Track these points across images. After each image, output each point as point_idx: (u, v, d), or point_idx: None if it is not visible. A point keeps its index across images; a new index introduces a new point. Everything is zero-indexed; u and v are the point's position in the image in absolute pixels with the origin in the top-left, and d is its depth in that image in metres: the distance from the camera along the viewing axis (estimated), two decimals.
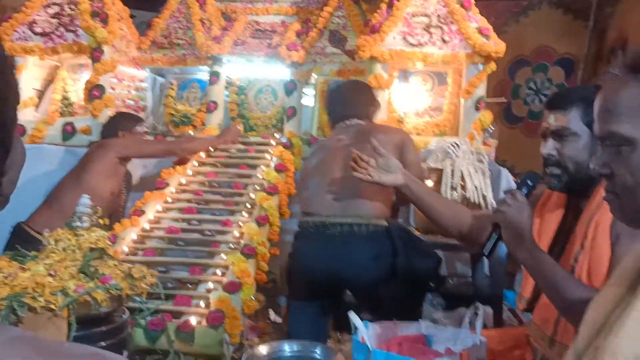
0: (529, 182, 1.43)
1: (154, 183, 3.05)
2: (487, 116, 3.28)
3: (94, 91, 3.40)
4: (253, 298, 2.31)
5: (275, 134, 3.59)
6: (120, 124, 3.09)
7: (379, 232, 2.13)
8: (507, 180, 3.19)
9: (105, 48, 3.42)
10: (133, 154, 3.02)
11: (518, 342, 1.58)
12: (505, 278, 2.98)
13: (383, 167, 1.88)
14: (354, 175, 1.93)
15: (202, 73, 3.97)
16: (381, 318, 1.66)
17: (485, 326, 1.76)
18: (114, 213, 2.97)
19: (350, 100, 2.54)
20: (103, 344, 1.40)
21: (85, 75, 3.64)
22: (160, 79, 4.13)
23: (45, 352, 0.44)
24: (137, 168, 3.36)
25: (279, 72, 3.79)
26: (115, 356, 0.48)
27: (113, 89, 3.64)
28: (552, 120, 1.44)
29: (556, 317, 1.37)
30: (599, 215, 1.34)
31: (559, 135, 1.42)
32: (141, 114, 3.81)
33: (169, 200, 2.92)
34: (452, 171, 2.63)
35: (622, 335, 0.78)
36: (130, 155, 3.00)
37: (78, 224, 1.52)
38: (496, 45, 3.15)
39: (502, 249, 2.66)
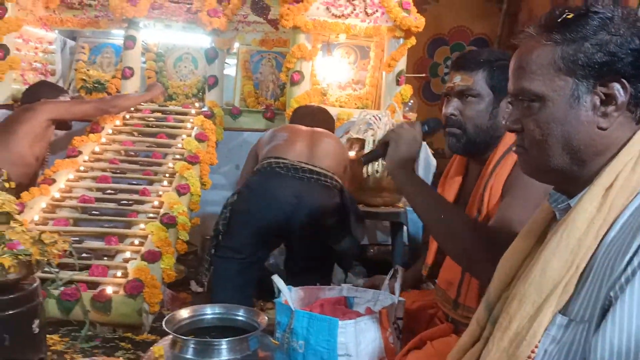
0: (430, 123, 1.48)
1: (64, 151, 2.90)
2: (407, 90, 3.37)
3: None
4: (173, 268, 2.26)
5: (196, 104, 3.49)
6: (43, 92, 2.93)
7: (336, 187, 2.32)
8: (426, 152, 3.31)
9: (8, 5, 3.16)
10: (65, 115, 2.89)
11: (431, 303, 1.64)
12: (422, 247, 3.11)
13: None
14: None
15: (117, 37, 3.76)
16: (302, 280, 1.69)
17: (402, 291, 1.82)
18: (34, 181, 2.80)
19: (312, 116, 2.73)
20: (10, 312, 1.32)
21: None
22: (70, 42, 3.87)
23: None
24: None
25: (199, 40, 3.67)
26: None
27: (18, 50, 3.37)
28: (458, 80, 1.45)
29: (459, 280, 1.42)
30: (493, 180, 1.38)
31: (463, 95, 1.44)
32: (50, 79, 3.57)
33: (82, 169, 2.77)
34: (374, 141, 2.69)
35: (529, 282, 0.83)
36: (61, 116, 2.87)
37: None
38: (416, 20, 3.23)
39: (419, 219, 2.79)
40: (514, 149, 0.95)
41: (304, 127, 2.51)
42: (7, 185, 1.51)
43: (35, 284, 1.44)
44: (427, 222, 1.40)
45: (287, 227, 2.20)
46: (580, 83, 0.83)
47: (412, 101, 3.64)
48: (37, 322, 1.41)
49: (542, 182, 0.97)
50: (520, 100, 0.90)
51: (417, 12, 3.31)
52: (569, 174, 0.87)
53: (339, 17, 3.27)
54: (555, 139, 0.85)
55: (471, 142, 1.45)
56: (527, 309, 0.82)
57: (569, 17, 0.85)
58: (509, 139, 1.38)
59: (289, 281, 1.56)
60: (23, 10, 3.34)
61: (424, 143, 3.11)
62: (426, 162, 3.31)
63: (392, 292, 1.58)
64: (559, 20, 0.86)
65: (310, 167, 2.30)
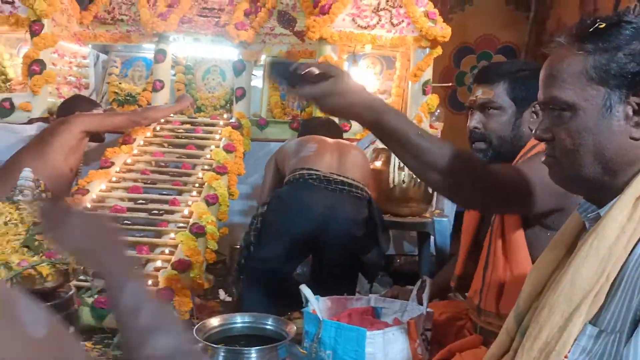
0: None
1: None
2: (433, 99, 3.37)
3: (33, 66, 3.26)
4: (203, 277, 2.30)
5: (224, 115, 3.54)
6: (78, 105, 3.02)
7: (365, 198, 2.35)
8: None
9: (45, 22, 3.27)
10: (98, 128, 2.96)
11: (459, 314, 1.63)
12: (449, 258, 3.08)
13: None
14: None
15: (148, 51, 3.86)
16: (329, 290, 1.70)
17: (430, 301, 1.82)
18: (68, 191, 2.88)
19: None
20: None
21: (24, 50, 3.47)
22: (103, 56, 3.99)
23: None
24: None
25: (227, 52, 3.73)
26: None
27: (54, 65, 3.49)
28: (480, 93, 1.46)
29: (481, 287, 1.42)
30: None
31: (486, 108, 1.45)
32: (83, 92, 3.68)
33: (114, 179, 2.85)
34: None
35: (559, 292, 0.83)
36: (94, 129, 2.94)
37: (20, 197, 1.46)
38: (442, 30, 3.24)
39: (447, 229, 2.77)
40: (543, 159, 0.95)
41: (329, 139, 2.53)
42: (44, 195, 1.57)
43: (70, 292, 1.49)
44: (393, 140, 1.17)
45: (317, 238, 2.22)
46: (612, 93, 0.83)
47: (438, 111, 3.63)
48: (71, 329, 1.45)
49: (573, 192, 0.96)
50: (551, 109, 0.90)
51: (443, 21, 3.31)
52: (599, 183, 0.86)
53: (365, 28, 3.30)
54: (587, 148, 0.85)
55: (496, 153, 1.46)
56: (556, 319, 0.81)
57: (601, 26, 0.85)
58: (529, 145, 1.39)
59: (316, 291, 1.57)
60: (58, 27, 3.46)
61: None
62: None
63: (420, 303, 1.58)
64: (591, 29, 0.86)
65: (341, 178, 2.32)
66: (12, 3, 3.31)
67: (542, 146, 1.28)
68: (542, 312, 0.85)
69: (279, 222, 2.23)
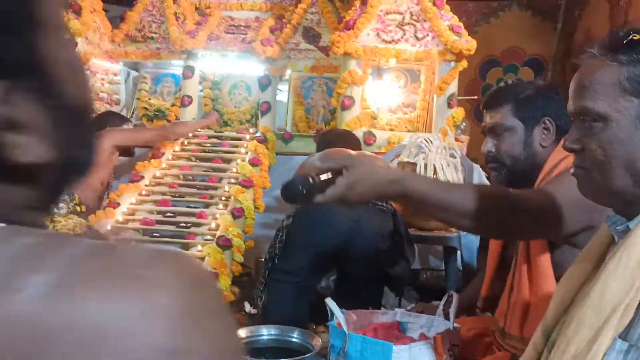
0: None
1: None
2: (459, 113, 3.35)
3: None
4: (229, 289, 2.32)
5: (250, 129, 3.59)
6: (109, 121, 3.10)
7: (390, 210, 2.34)
8: (480, 175, 3.26)
9: (78, 40, 3.39)
10: (128, 142, 3.03)
11: (487, 331, 1.62)
12: (476, 272, 3.04)
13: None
14: None
15: (176, 67, 3.94)
16: (354, 304, 1.70)
17: (458, 317, 1.80)
18: (99, 204, 2.95)
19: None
20: None
21: None
22: (133, 73, 4.09)
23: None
24: None
25: (253, 68, 3.79)
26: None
27: None
28: (488, 118, 1.52)
29: (506, 309, 1.41)
30: None
31: (495, 131, 1.50)
32: (114, 108, 3.78)
33: (144, 192, 2.91)
34: (425, 165, 2.68)
35: (588, 305, 0.82)
36: (125, 143, 3.01)
37: (55, 210, 1.50)
38: (467, 43, 3.23)
39: (474, 243, 2.74)
40: (572, 170, 0.94)
41: (352, 151, 2.54)
42: (78, 209, 1.61)
43: None
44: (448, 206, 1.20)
45: (344, 251, 2.22)
46: None
47: (464, 124, 3.61)
48: None
49: (602, 204, 0.95)
50: (582, 120, 0.89)
51: (468, 34, 3.31)
52: (630, 196, 0.85)
53: (389, 42, 3.31)
54: (618, 160, 0.84)
55: (511, 172, 1.49)
56: (585, 332, 0.80)
57: (635, 38, 0.85)
58: (551, 163, 1.39)
59: (341, 304, 1.57)
60: (91, 45, 3.57)
61: (476, 166, 3.07)
62: (480, 182, 3.26)
63: (447, 318, 1.57)
64: (625, 41, 0.86)
65: None
66: None
67: (565, 164, 1.28)
68: (570, 326, 0.84)
69: (304, 235, 2.24)
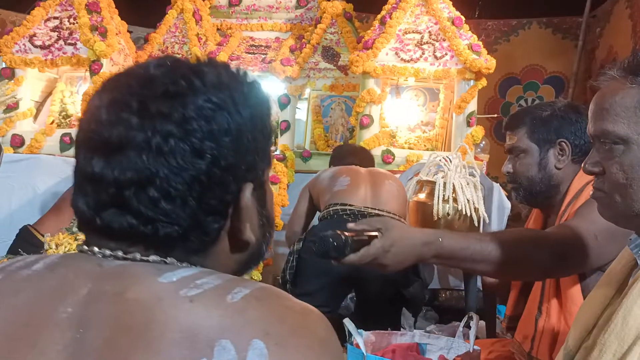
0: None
1: None
2: (478, 131, 3.34)
3: None
4: None
5: None
6: None
7: None
8: (500, 194, 3.22)
9: (103, 61, 3.47)
10: None
11: (508, 353, 1.59)
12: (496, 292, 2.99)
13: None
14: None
15: None
16: (372, 324, 1.68)
17: (477, 338, 1.77)
18: None
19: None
20: None
21: (83, 88, 3.67)
22: None
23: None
24: None
25: (273, 87, 3.83)
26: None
27: None
28: (508, 139, 1.56)
29: (533, 334, 1.39)
30: (566, 216, 1.38)
31: (513, 153, 1.54)
32: None
33: None
34: (444, 184, 2.66)
35: (610, 331, 0.80)
36: None
37: (77, 229, 1.52)
38: (487, 62, 3.22)
39: None
40: (591, 193, 0.93)
41: (361, 169, 2.51)
42: None
43: None
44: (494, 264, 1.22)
45: (356, 275, 2.20)
46: None
47: (483, 142, 3.59)
48: None
49: (623, 227, 0.94)
50: (602, 142, 0.88)
51: (488, 52, 3.30)
52: None
53: (408, 61, 3.33)
54: None
55: (528, 192, 1.51)
56: (608, 359, 0.79)
57: None
58: (577, 185, 1.39)
59: (359, 325, 1.56)
60: (116, 65, 3.65)
61: (496, 185, 3.04)
62: (500, 204, 3.22)
63: (467, 340, 1.55)
64: None
65: (377, 211, 2.29)
66: (74, 44, 3.53)
67: (587, 192, 1.27)
68: (593, 352, 0.82)
69: (316, 261, 2.23)
